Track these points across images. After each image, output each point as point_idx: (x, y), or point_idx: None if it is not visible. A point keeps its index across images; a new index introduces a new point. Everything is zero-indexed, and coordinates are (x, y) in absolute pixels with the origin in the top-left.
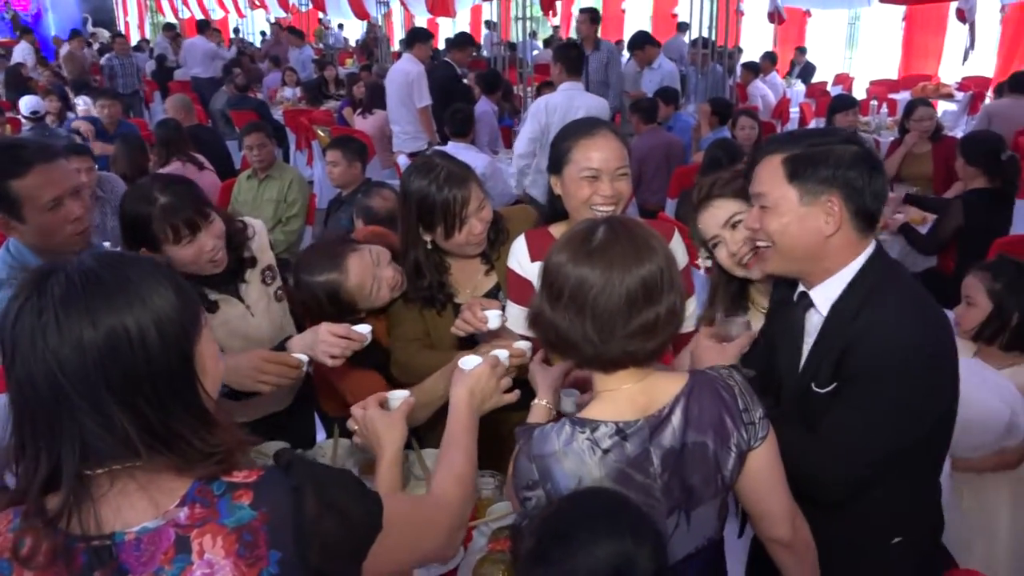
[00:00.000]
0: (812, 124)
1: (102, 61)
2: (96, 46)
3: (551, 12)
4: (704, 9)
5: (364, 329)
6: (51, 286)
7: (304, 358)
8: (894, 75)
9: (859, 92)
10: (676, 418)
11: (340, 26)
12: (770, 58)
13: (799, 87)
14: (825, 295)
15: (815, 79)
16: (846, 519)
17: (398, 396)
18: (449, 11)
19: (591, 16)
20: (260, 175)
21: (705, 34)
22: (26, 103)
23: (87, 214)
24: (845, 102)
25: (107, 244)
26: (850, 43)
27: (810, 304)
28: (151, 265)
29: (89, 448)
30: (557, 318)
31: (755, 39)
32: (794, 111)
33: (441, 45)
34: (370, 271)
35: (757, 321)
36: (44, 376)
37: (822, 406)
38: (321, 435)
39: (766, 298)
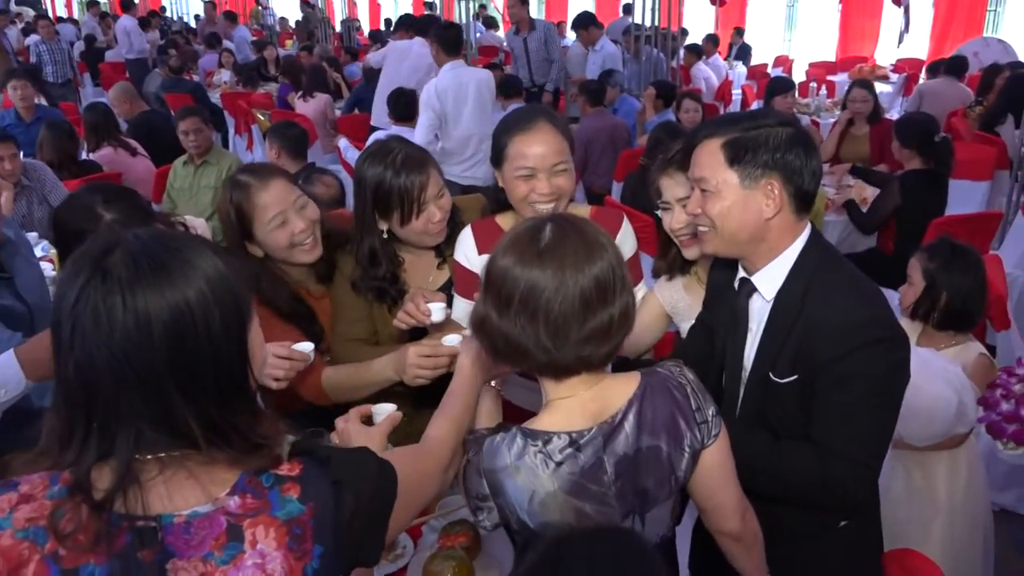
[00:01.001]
0: (754, 106)
1: (28, 44)
2: (21, 26)
3: None
4: None
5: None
6: (114, 265)
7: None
8: (832, 57)
9: (799, 74)
10: (629, 423)
11: (310, 4)
12: (712, 40)
13: (740, 69)
14: (768, 280)
15: (755, 61)
16: (796, 508)
17: (383, 410)
18: None
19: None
20: (196, 161)
21: (648, 16)
22: None
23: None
24: (783, 84)
25: (34, 235)
26: (789, 25)
27: (753, 289)
28: (204, 244)
29: (145, 436)
30: (506, 325)
31: (697, 21)
32: (736, 93)
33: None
34: (287, 203)
35: (696, 290)
36: (107, 359)
37: (784, 396)
38: None
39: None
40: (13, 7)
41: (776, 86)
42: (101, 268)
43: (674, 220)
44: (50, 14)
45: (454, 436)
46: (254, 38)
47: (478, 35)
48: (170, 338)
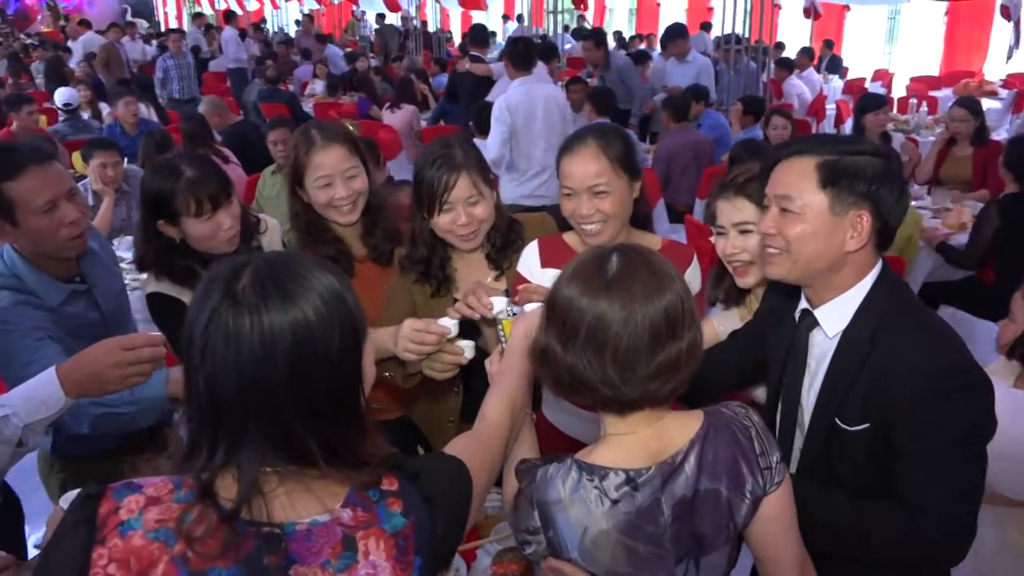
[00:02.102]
0: (848, 122)
1: (157, 62)
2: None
3: (583, 6)
4: (738, 3)
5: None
6: (243, 290)
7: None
8: (936, 71)
9: (899, 89)
10: (690, 465)
11: (382, 16)
12: (807, 54)
13: (836, 83)
14: (833, 316)
15: (853, 75)
16: (862, 566)
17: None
18: (480, 4)
19: (596, 40)
20: (284, 170)
21: (739, 29)
22: (60, 95)
23: (83, 217)
24: (875, 101)
25: (130, 239)
26: (890, 38)
27: (815, 323)
28: (320, 265)
29: (270, 455)
30: (571, 359)
31: (792, 34)
32: (830, 108)
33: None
34: (338, 170)
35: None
36: (235, 377)
37: (854, 445)
38: None
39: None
40: (128, 19)
41: (868, 102)
42: (231, 291)
43: (729, 246)
44: (161, 26)
45: (509, 413)
46: (348, 49)
47: (568, 46)
48: (292, 356)
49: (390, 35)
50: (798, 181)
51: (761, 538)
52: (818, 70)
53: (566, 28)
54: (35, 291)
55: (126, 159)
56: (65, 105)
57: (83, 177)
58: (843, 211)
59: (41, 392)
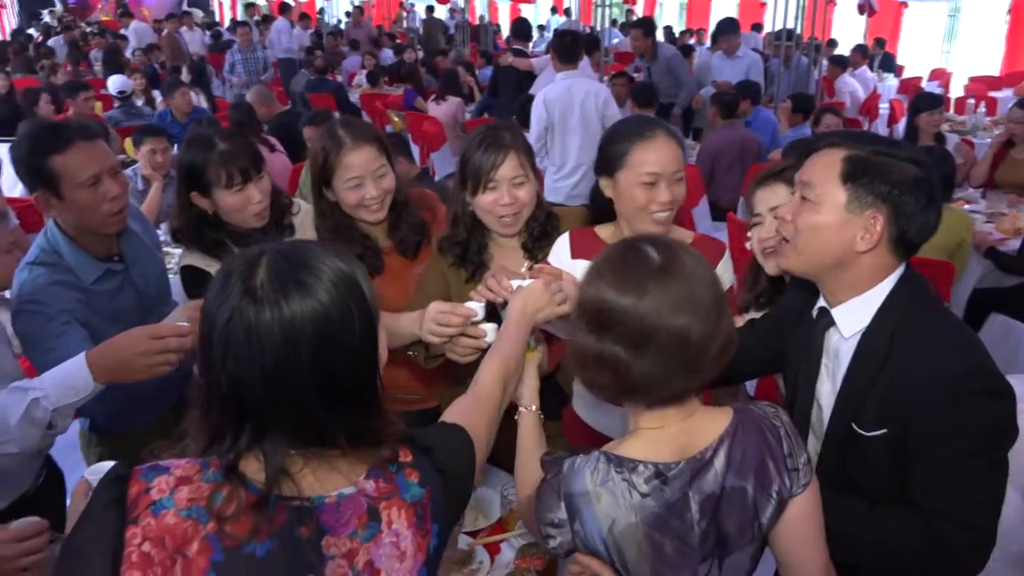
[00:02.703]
0: (902, 123)
1: (225, 55)
2: (198, 28)
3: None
4: None
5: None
6: (261, 284)
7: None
8: (996, 71)
9: (957, 89)
10: (719, 461)
11: (430, 8)
12: (861, 51)
13: (891, 82)
14: (850, 317)
15: (909, 74)
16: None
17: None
18: None
19: (644, 29)
20: (312, 172)
21: (792, 25)
22: (114, 83)
23: (124, 194)
24: (930, 100)
25: None
26: (949, 36)
27: (831, 323)
28: (332, 250)
29: (294, 441)
30: (623, 364)
31: (846, 31)
32: (883, 107)
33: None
34: (368, 170)
35: None
36: (259, 373)
37: (871, 451)
38: None
39: None
40: (185, 9)
41: (922, 102)
42: (250, 288)
43: (764, 231)
44: (216, 15)
45: (502, 378)
46: (398, 41)
47: (615, 41)
48: (314, 345)
49: (435, 28)
50: (823, 171)
51: (786, 542)
52: (871, 68)
53: (614, 22)
54: (72, 267)
55: (175, 145)
56: (119, 93)
57: (134, 162)
58: (858, 209)
59: (71, 377)
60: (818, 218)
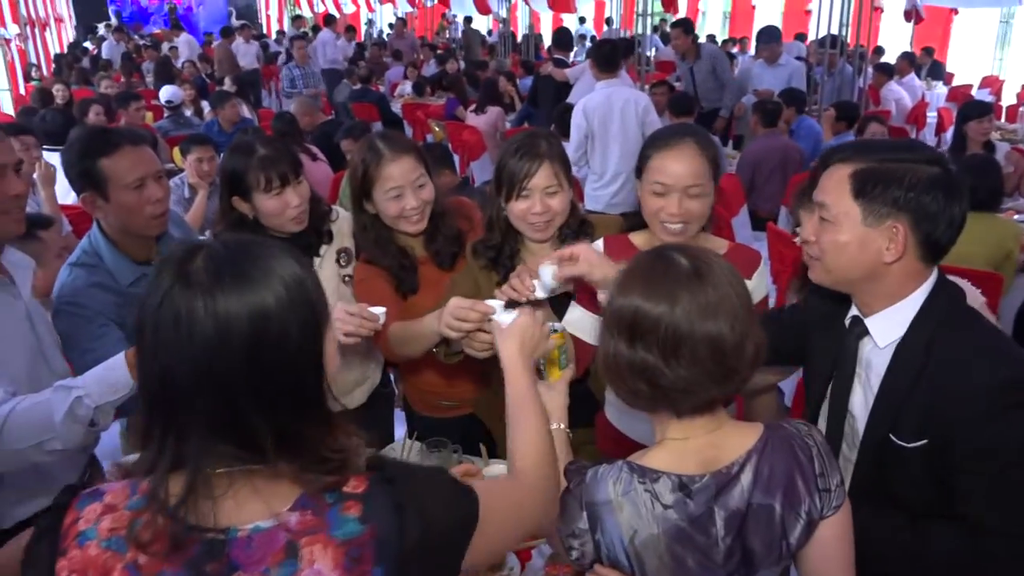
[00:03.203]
0: (951, 131)
1: (283, 71)
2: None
3: (673, 8)
4: (837, 5)
5: (377, 311)
6: (195, 270)
7: (382, 310)
8: None
9: (1009, 97)
10: (746, 477)
11: (468, 19)
12: (907, 58)
13: (940, 90)
14: (885, 326)
15: (959, 81)
16: None
17: (494, 472)
18: (570, 7)
19: (684, 28)
20: (351, 184)
21: (837, 31)
22: (164, 92)
23: (166, 198)
24: (979, 108)
25: None
26: (1001, 43)
27: (865, 332)
28: (283, 250)
29: (217, 447)
30: (653, 371)
31: (894, 39)
32: (931, 116)
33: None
34: (408, 181)
35: None
36: (185, 366)
37: (911, 462)
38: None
39: None
40: (234, 22)
41: (971, 110)
42: (183, 273)
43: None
44: (264, 28)
45: (544, 461)
46: (439, 51)
47: (652, 52)
48: (248, 343)
49: (474, 39)
50: (834, 189)
51: (815, 564)
52: (919, 76)
53: (655, 29)
54: (110, 270)
55: (221, 155)
56: (167, 102)
57: (181, 171)
58: (877, 221)
59: (111, 376)
60: (840, 237)
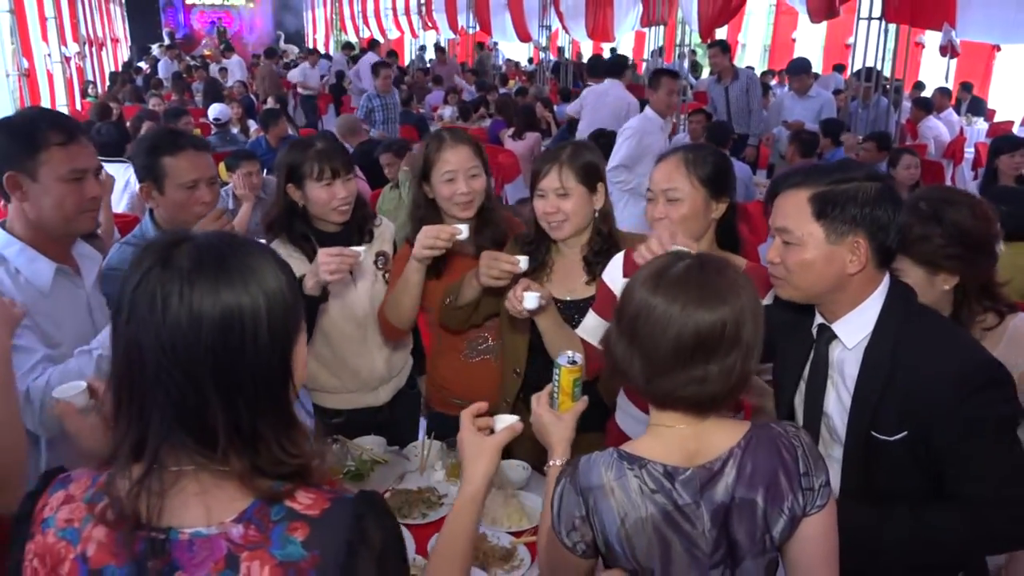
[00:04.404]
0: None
1: (361, 100)
2: (289, 60)
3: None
4: (874, 39)
5: (358, 249)
6: (178, 257)
7: (361, 249)
8: None
9: None
10: (729, 472)
11: (479, 45)
12: (945, 94)
13: (980, 125)
14: (851, 329)
15: (1001, 117)
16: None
17: (504, 420)
18: (609, 36)
19: (721, 48)
20: (414, 165)
21: (878, 66)
22: (213, 110)
23: (215, 202)
24: (1010, 143)
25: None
26: None
27: (833, 337)
28: (268, 253)
29: (175, 431)
30: (615, 343)
31: (935, 74)
32: (969, 151)
33: None
34: (462, 168)
35: None
36: (154, 346)
37: (895, 454)
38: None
39: None
40: (282, 44)
41: (1003, 144)
42: (165, 258)
43: None
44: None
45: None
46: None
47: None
48: (216, 337)
49: (486, 62)
50: (794, 214)
51: (799, 560)
52: (958, 112)
53: (693, 65)
54: None
55: (265, 170)
56: (215, 120)
57: (226, 184)
58: (839, 239)
59: None
60: (806, 256)
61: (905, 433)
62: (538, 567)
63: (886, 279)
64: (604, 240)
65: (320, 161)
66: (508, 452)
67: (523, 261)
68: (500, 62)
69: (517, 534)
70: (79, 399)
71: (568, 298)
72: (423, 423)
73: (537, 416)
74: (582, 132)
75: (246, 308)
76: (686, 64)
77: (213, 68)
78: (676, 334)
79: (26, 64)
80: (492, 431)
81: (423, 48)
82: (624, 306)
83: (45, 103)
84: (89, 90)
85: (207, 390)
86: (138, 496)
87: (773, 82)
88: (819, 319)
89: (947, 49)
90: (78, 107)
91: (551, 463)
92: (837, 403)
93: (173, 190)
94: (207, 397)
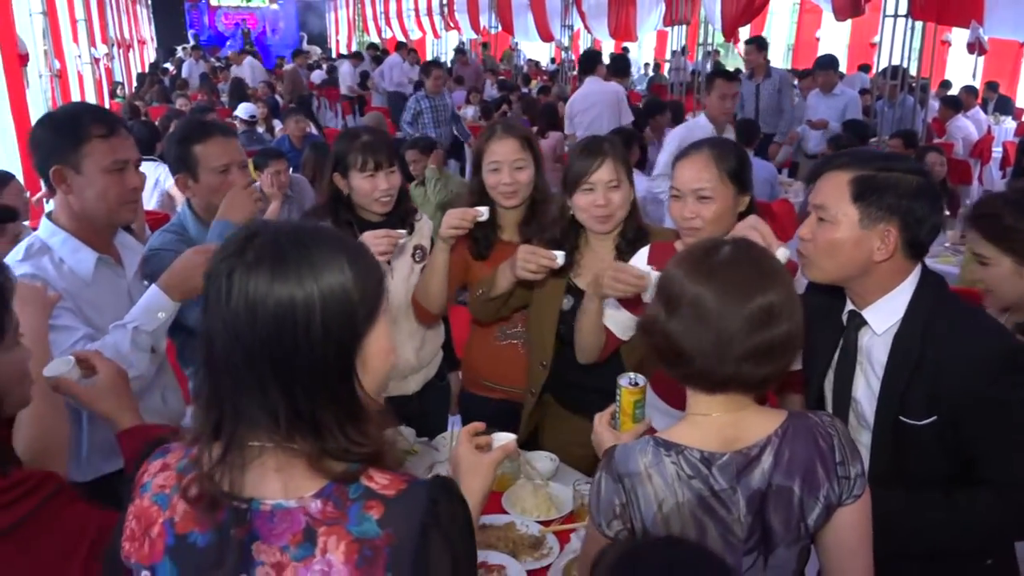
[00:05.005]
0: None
1: (409, 100)
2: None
3: (735, 40)
4: (900, 38)
5: (401, 231)
6: (249, 248)
7: (403, 232)
8: None
9: None
10: (766, 459)
11: (485, 45)
12: (971, 92)
13: (1009, 124)
14: (881, 315)
15: None
16: (938, 559)
17: (501, 438)
18: (631, 35)
19: (758, 45)
20: (424, 184)
21: (904, 64)
22: (244, 108)
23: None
24: None
25: None
26: None
27: (863, 323)
28: (342, 249)
29: (247, 410)
30: (672, 326)
31: (962, 73)
32: (996, 151)
33: None
34: (508, 160)
35: None
36: (220, 331)
37: (924, 439)
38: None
39: None
40: (305, 46)
41: None
42: (239, 249)
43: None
44: (333, 53)
45: None
46: (501, 77)
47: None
48: (271, 329)
49: (488, 63)
50: (833, 193)
51: (833, 550)
52: (985, 110)
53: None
54: (193, 239)
55: (291, 168)
56: (250, 117)
57: (253, 182)
58: (872, 224)
59: (152, 303)
60: (836, 236)
61: (934, 418)
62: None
63: (918, 269)
64: (637, 229)
65: (364, 153)
66: (538, 445)
67: (560, 256)
68: (522, 62)
69: (546, 523)
70: (72, 373)
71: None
72: (451, 421)
73: (599, 435)
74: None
75: (298, 302)
76: (709, 64)
77: (235, 70)
78: (747, 313)
79: (58, 65)
80: (490, 447)
81: (461, 43)
82: (676, 294)
83: None
84: (118, 91)
85: (266, 377)
86: (220, 471)
87: (795, 81)
88: (849, 306)
89: (975, 46)
90: (106, 107)
91: None
92: (866, 389)
93: (206, 175)
94: (266, 383)
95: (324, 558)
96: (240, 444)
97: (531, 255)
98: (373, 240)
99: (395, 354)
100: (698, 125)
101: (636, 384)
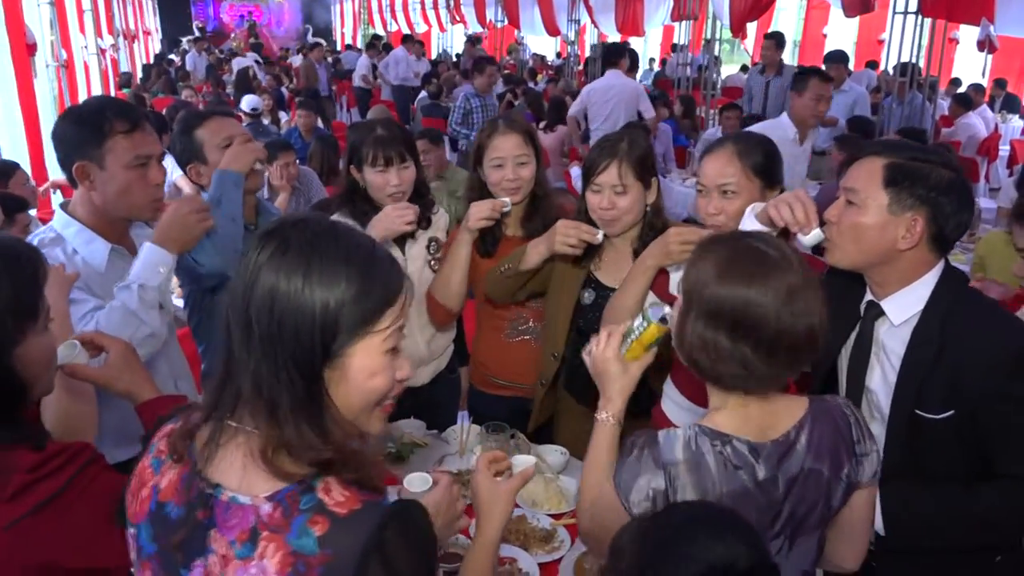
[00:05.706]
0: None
1: (458, 96)
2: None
3: (742, 35)
4: (909, 34)
5: (414, 205)
6: (274, 237)
7: (414, 208)
8: None
9: None
10: (801, 444)
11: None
12: (979, 90)
13: (1016, 122)
14: (899, 307)
15: None
16: (949, 552)
17: (521, 462)
18: (638, 30)
19: (776, 41)
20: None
21: (912, 61)
22: (248, 101)
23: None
24: None
25: None
26: None
27: (880, 313)
28: (347, 251)
29: (228, 383)
30: (709, 335)
31: (969, 70)
32: (1004, 148)
33: None
34: (511, 155)
35: None
36: (231, 303)
37: (940, 433)
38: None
39: None
40: (310, 39)
41: None
42: (269, 236)
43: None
44: (338, 46)
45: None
46: (506, 71)
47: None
48: (257, 311)
49: (518, 59)
50: (866, 177)
51: (844, 526)
52: (992, 108)
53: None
54: None
55: (297, 161)
56: (252, 110)
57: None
58: (899, 211)
59: (151, 259)
60: (863, 219)
61: (952, 412)
62: (578, 520)
63: (941, 263)
64: (656, 235)
65: (375, 147)
66: (549, 438)
67: (600, 234)
68: (527, 56)
69: (557, 516)
70: (79, 356)
71: (616, 286)
72: (460, 415)
73: (604, 359)
74: (596, 132)
75: (281, 293)
76: (715, 56)
77: (238, 61)
78: (792, 313)
79: (65, 55)
80: (511, 471)
81: (475, 34)
82: (717, 303)
83: (82, 94)
84: (128, 82)
85: (245, 352)
86: (200, 440)
87: None
88: (868, 296)
89: (985, 44)
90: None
91: (602, 416)
92: (881, 380)
93: (211, 154)
94: (245, 360)
95: (260, 563)
96: (220, 418)
97: (573, 228)
98: (396, 212)
99: (380, 381)
100: (780, 126)
101: (665, 321)
